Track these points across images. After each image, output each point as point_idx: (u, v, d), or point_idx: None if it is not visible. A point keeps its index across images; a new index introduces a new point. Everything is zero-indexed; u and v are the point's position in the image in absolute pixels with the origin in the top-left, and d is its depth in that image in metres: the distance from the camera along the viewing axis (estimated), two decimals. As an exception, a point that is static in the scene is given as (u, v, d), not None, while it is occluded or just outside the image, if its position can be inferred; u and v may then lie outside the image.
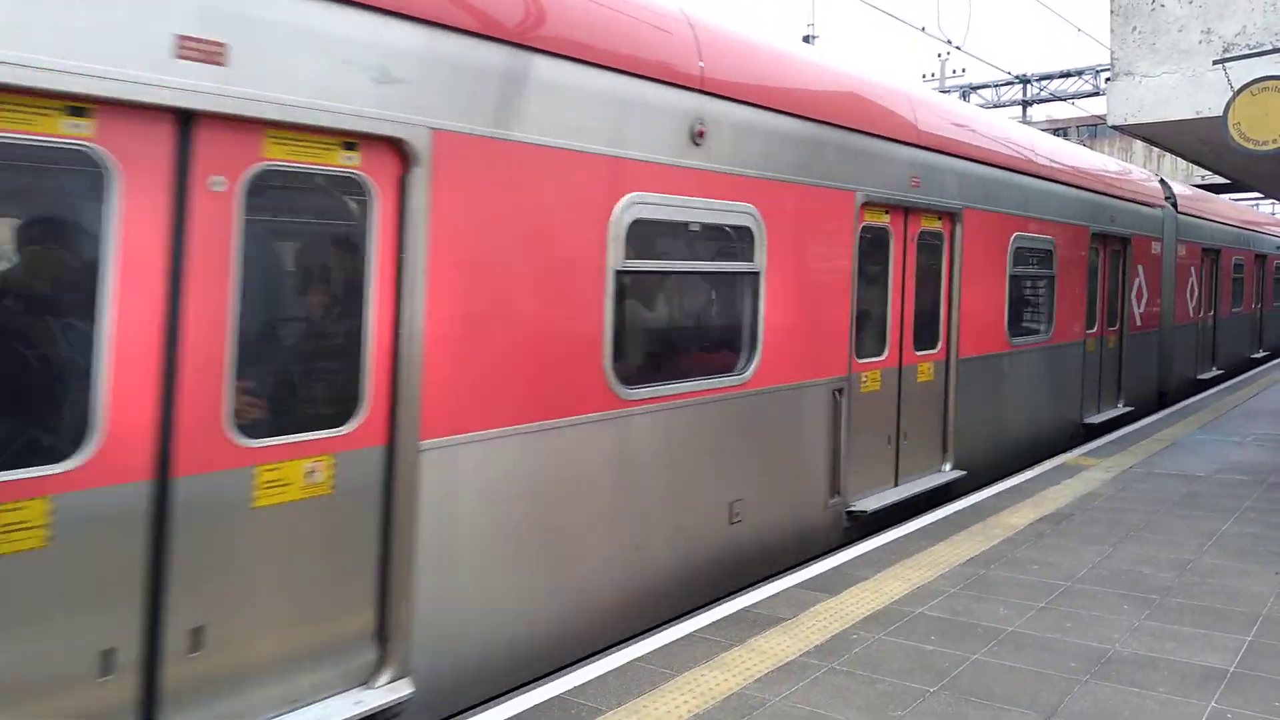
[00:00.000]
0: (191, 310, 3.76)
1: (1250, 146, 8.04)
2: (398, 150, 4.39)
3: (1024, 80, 33.33)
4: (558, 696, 4.52)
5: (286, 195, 4.19)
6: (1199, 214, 17.06)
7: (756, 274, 6.55)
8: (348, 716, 4.11)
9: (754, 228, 6.47)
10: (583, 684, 4.66)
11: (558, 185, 5.14)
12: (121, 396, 3.57)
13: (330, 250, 4.51)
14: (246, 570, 3.93)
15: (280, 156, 4.01)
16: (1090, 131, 46.97)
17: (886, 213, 8.06)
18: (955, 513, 8.09)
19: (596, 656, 5.01)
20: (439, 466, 4.53)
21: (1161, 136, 12.07)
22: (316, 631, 4.17)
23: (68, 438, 3.47)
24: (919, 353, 8.65)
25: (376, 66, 4.27)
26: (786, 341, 6.84)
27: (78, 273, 3.54)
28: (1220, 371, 18.83)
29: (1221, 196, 23.33)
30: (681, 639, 5.24)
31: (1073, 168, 11.84)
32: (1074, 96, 33.10)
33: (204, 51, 3.71)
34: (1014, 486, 9.11)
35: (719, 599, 6.07)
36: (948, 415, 9.09)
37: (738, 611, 5.67)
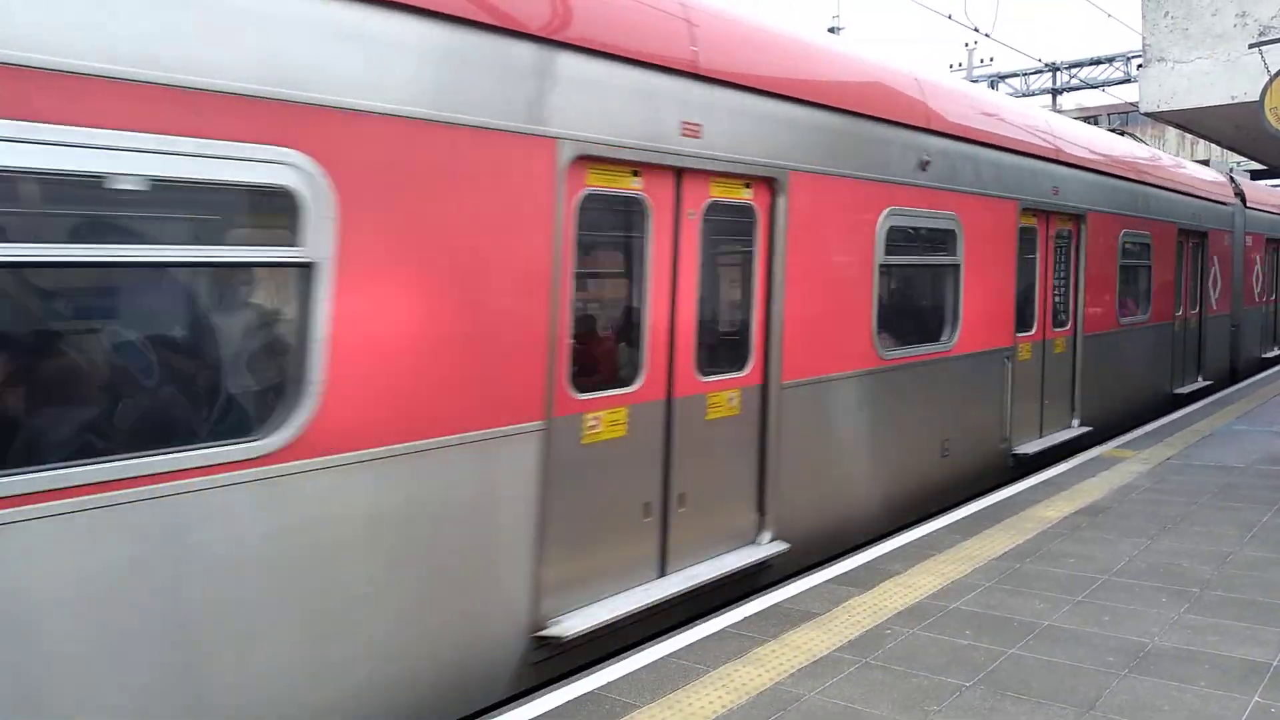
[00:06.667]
0: (680, 296, 5.73)
1: (1288, 131, 7.90)
2: (769, 186, 6.31)
3: (1054, 68, 32.79)
4: (591, 692, 4.53)
5: (718, 220, 6.07)
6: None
7: (958, 265, 8.57)
8: (755, 559, 6.22)
9: (956, 230, 8.48)
10: (616, 679, 4.67)
11: (853, 203, 7.13)
12: (653, 347, 5.60)
13: (737, 256, 6.37)
14: (702, 459, 5.95)
15: (717, 194, 5.99)
16: (1122, 119, 46.27)
17: (1035, 216, 10.01)
18: (988, 506, 8.02)
19: (628, 652, 5.02)
20: (791, 399, 6.55)
21: (1195, 123, 11.90)
22: (731, 502, 6.27)
23: (631, 371, 5.55)
24: (1056, 329, 10.65)
25: (767, 128, 6.25)
26: (977, 317, 8.86)
27: (633, 270, 5.59)
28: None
29: (1261, 183, 19.85)
30: (713, 635, 5.24)
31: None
32: (1105, 84, 32.56)
33: (692, 130, 5.67)
34: (1048, 480, 9.02)
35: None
36: (1075, 380, 11.10)
37: (769, 607, 5.66)
